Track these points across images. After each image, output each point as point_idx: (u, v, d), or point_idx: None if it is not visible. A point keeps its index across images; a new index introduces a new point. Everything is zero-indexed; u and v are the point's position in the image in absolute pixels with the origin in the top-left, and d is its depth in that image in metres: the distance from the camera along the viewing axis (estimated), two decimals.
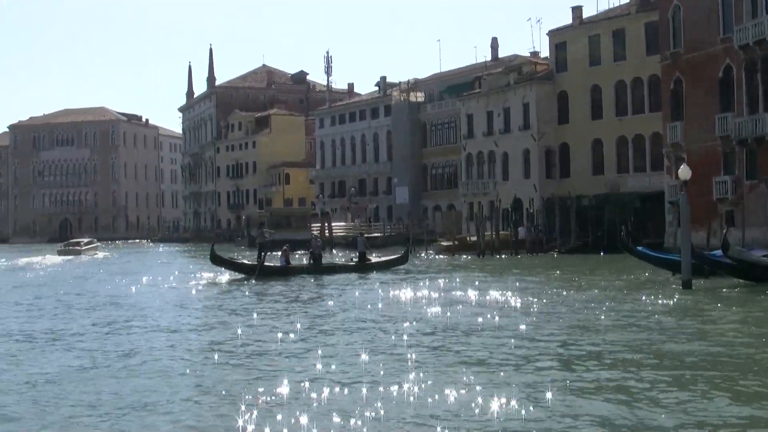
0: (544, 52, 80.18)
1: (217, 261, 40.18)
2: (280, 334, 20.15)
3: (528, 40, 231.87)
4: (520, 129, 74.41)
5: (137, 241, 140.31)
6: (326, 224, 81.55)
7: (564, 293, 29.65)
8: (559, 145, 72.33)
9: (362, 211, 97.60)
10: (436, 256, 60.19)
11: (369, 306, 26.40)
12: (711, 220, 49.00)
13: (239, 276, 39.47)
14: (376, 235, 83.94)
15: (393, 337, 19.57)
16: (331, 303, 27.92)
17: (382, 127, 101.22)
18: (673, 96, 55.24)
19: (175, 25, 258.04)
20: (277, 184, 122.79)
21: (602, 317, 22.57)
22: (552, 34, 73.36)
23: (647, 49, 65.28)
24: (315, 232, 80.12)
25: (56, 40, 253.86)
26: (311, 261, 42.10)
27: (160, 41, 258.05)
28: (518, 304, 26.09)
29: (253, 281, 37.08)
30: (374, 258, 45.08)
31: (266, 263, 40.38)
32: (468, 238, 64.41)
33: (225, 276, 40.10)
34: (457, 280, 37.19)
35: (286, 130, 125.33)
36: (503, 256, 57.60)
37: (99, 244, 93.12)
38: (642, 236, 59.50)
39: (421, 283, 34.58)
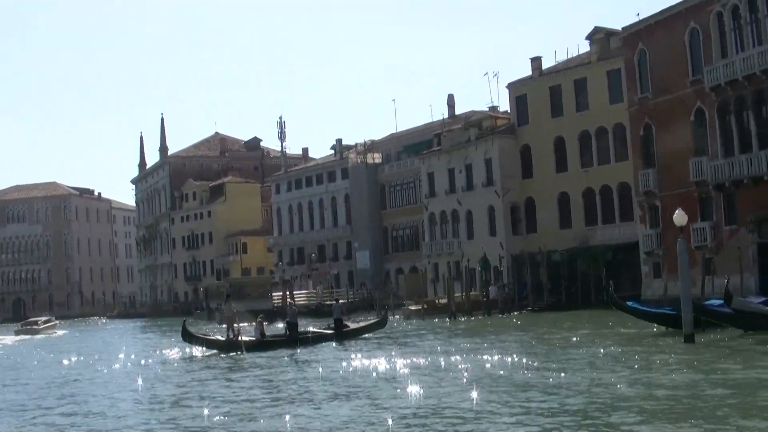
0: (503, 106, 78.81)
1: (189, 337, 37.75)
2: None
3: (485, 96, 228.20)
4: (483, 185, 72.36)
5: (93, 318, 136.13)
6: (287, 292, 78.57)
7: (563, 354, 27.14)
8: (525, 200, 70.35)
9: (324, 276, 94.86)
10: (404, 321, 57.44)
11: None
12: (690, 267, 46.76)
13: (210, 352, 37.07)
14: (341, 301, 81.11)
15: None
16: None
17: (340, 190, 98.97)
18: (642, 142, 53.55)
19: (125, 95, 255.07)
20: (234, 254, 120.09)
21: (616, 380, 20.22)
22: (512, 86, 71.61)
23: (610, 98, 63.75)
24: (277, 302, 77.91)
25: (2, 114, 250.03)
26: (287, 331, 39.88)
27: (110, 112, 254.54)
28: (526, 373, 23.45)
29: (244, 355, 34.87)
30: (351, 324, 43.40)
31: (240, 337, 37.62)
32: (437, 300, 61.90)
33: (196, 352, 37.75)
34: (441, 347, 34.59)
35: (242, 198, 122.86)
36: (475, 318, 55.04)
37: (57, 322, 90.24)
38: (617, 289, 57.46)
39: (411, 355, 31.71)
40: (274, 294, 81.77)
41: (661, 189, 51.68)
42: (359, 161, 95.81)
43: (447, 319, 54.48)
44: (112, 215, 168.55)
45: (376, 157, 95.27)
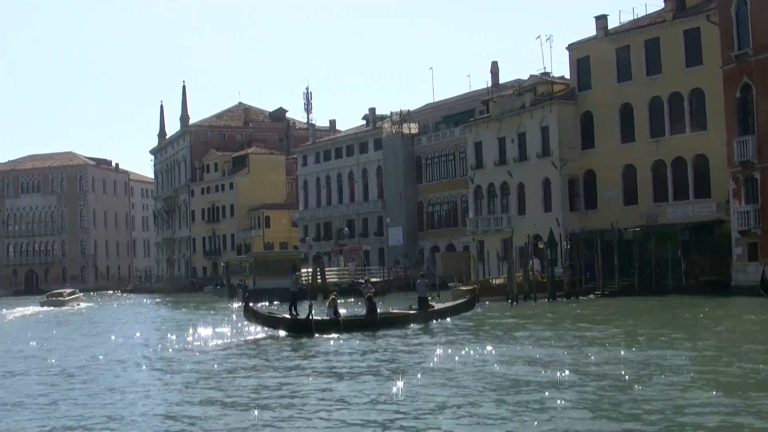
0: (556, 72, 72.05)
1: (252, 315, 33.54)
2: None
3: (531, 63, 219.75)
4: (538, 156, 65.95)
5: (108, 292, 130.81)
6: (318, 270, 72.16)
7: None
8: (584, 173, 64.03)
9: (356, 253, 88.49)
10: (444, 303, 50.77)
11: None
12: None
13: (277, 333, 32.77)
14: (374, 280, 75.18)
15: None
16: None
17: (372, 162, 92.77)
18: (740, 106, 46.57)
19: (145, 62, 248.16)
20: (256, 228, 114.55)
21: None
22: (573, 48, 64.98)
23: (686, 60, 57.26)
24: (306, 279, 71.85)
25: (19, 83, 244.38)
26: (366, 310, 34.66)
27: (129, 80, 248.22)
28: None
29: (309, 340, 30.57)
30: (436, 304, 38.35)
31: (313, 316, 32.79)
32: (492, 281, 55.23)
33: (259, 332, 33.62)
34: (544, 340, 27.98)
35: (266, 170, 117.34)
36: (539, 302, 48.38)
37: (81, 294, 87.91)
38: (697, 273, 51.10)
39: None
40: (302, 271, 75.49)
41: (761, 159, 45.04)
42: (394, 131, 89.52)
43: (509, 302, 47.86)
44: (129, 187, 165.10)
45: (413, 128, 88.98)
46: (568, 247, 56.10)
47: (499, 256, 63.59)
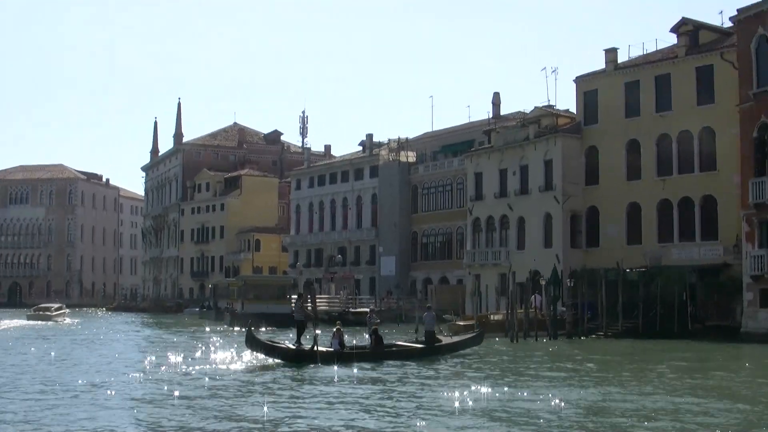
0: (560, 106, 70.37)
1: (253, 344, 32.45)
2: None
3: (534, 95, 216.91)
4: (540, 190, 64.13)
5: (91, 309, 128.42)
6: (309, 297, 70.05)
7: None
8: (587, 209, 62.15)
9: (347, 281, 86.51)
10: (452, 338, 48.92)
11: None
12: None
13: (275, 362, 31.89)
14: (365, 310, 73.26)
15: None
16: None
17: (367, 189, 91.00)
18: (757, 145, 44.89)
19: (141, 78, 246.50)
20: (246, 251, 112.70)
21: None
22: (581, 80, 63.29)
23: (698, 99, 55.59)
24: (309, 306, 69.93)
25: (12, 92, 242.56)
26: (371, 342, 33.74)
27: (124, 95, 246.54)
28: None
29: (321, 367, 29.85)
30: (443, 338, 37.22)
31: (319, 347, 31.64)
32: (490, 316, 53.28)
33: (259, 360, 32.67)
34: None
35: (258, 192, 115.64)
36: (540, 340, 46.48)
37: (67, 310, 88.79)
38: (704, 317, 49.41)
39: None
40: (293, 297, 73.51)
41: None
42: (391, 159, 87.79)
43: (509, 340, 45.94)
44: (119, 203, 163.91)
45: (410, 156, 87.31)
46: (571, 284, 54.27)
47: (498, 291, 61.69)
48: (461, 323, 51.37)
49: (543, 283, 55.40)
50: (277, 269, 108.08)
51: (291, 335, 41.67)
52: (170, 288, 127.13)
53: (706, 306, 50.03)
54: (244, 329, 36.84)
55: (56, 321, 75.69)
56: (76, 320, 78.45)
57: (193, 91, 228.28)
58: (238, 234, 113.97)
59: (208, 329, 63.51)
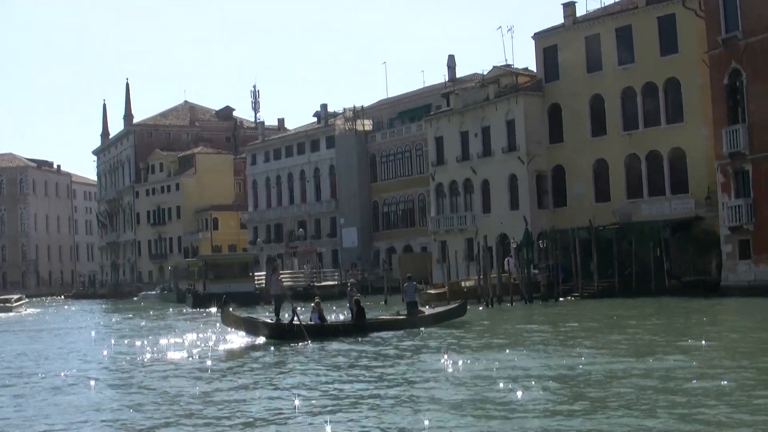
0: (519, 65, 68.89)
1: (231, 321, 30.32)
2: None
3: (491, 55, 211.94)
4: (503, 151, 62.74)
5: (49, 298, 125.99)
6: (273, 273, 68.61)
7: None
8: (553, 169, 60.95)
9: (310, 255, 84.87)
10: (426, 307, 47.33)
11: None
12: None
13: (258, 340, 29.87)
14: (330, 283, 71.87)
15: None
16: None
17: (324, 160, 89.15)
18: (729, 93, 43.56)
19: (87, 59, 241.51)
20: (204, 230, 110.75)
21: None
22: (539, 37, 61.82)
23: (661, 49, 54.31)
24: (259, 283, 68.55)
25: None
26: (353, 315, 32.58)
27: (71, 78, 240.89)
28: None
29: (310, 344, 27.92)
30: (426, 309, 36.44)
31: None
32: (462, 283, 51.78)
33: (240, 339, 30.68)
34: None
35: (213, 170, 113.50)
36: (515, 305, 45.03)
37: (27, 300, 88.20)
38: (680, 272, 48.25)
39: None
40: (256, 274, 71.83)
41: (753, 149, 42.07)
42: (347, 128, 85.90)
43: (483, 305, 44.45)
44: (72, 190, 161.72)
45: (366, 124, 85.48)
46: (544, 246, 52.93)
47: (466, 257, 60.29)
48: (432, 291, 49.98)
49: (514, 246, 54.01)
50: (236, 247, 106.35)
51: (257, 314, 39.94)
52: (129, 272, 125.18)
53: (679, 261, 48.83)
54: (210, 310, 34.72)
55: (18, 312, 74.52)
56: (37, 310, 77.35)
57: (141, 71, 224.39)
58: (195, 213, 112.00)
59: (171, 311, 61.70)
